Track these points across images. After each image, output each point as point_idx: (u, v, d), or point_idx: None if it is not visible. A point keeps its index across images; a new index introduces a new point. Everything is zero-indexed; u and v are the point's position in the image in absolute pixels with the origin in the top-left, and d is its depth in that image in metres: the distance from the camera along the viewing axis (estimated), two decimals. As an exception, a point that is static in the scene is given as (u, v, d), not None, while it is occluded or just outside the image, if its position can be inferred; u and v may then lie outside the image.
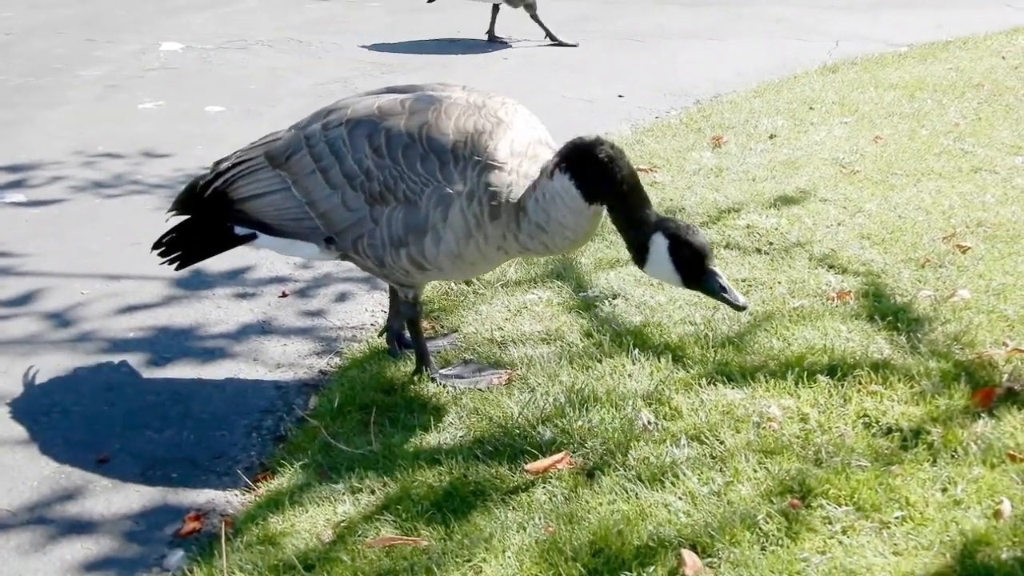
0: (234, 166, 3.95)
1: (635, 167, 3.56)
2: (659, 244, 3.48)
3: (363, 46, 10.34)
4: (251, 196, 3.90)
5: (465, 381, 4.01)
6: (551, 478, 3.36)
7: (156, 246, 4.21)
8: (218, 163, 4.03)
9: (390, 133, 3.63)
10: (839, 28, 10.77)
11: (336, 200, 3.74)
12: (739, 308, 3.57)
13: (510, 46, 10.37)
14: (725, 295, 3.51)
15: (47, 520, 3.47)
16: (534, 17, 10.27)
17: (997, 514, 3.04)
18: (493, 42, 10.47)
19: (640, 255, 3.55)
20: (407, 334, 4.24)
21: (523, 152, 3.61)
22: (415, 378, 4.05)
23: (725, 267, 4.86)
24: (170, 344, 4.59)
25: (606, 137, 3.57)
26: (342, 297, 5.06)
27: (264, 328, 4.75)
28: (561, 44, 10.31)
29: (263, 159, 3.89)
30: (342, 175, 3.71)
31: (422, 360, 4.07)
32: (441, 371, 4.07)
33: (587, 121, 7.65)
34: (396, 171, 3.63)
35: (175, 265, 4.20)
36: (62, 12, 12.06)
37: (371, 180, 3.66)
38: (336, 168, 3.72)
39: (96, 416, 4.05)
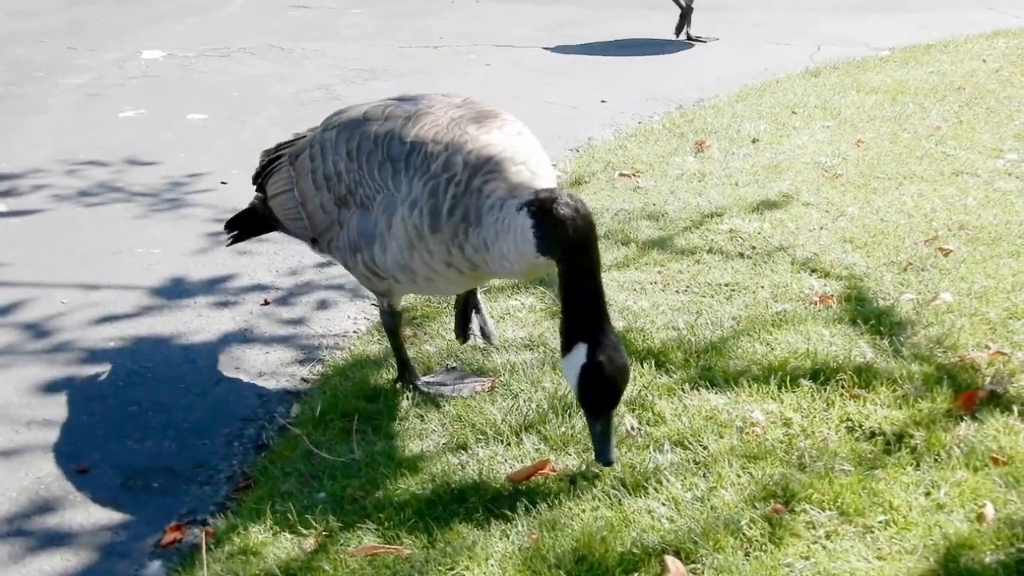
0: (270, 162, 4.16)
1: (597, 246, 3.26)
2: (578, 356, 3.21)
3: (345, 53, 10.33)
4: (274, 194, 4.09)
5: (448, 388, 3.99)
6: (534, 485, 3.34)
7: (227, 224, 4.49)
8: (266, 152, 4.25)
9: (361, 138, 3.63)
10: (821, 32, 10.81)
11: (317, 201, 3.80)
12: (604, 462, 3.28)
13: (698, 43, 10.36)
14: (600, 443, 3.26)
15: (26, 532, 3.43)
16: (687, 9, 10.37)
17: (980, 517, 3.03)
18: (688, 40, 10.47)
19: (564, 346, 3.28)
20: (475, 322, 4.22)
21: (485, 167, 3.38)
22: (398, 387, 4.04)
23: (708, 271, 4.87)
24: (151, 353, 4.56)
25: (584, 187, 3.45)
26: (324, 305, 5.04)
27: (246, 336, 4.72)
28: (698, 40, 10.45)
29: (287, 158, 4.05)
30: (323, 177, 3.75)
31: (403, 369, 4.05)
32: (424, 378, 4.06)
33: (570, 127, 7.66)
34: (359, 176, 3.61)
35: (229, 241, 4.54)
36: (44, 20, 12.01)
37: (340, 183, 3.68)
38: (320, 170, 3.77)
39: (76, 426, 4.02)
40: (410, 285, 3.70)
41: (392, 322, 3.99)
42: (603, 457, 3.27)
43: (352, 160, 3.63)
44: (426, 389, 3.99)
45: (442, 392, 3.97)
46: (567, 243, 3.20)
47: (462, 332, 4.23)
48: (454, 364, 4.22)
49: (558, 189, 3.31)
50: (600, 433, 3.27)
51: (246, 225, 4.43)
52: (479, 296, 4.26)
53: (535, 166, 3.46)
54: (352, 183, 3.63)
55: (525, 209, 3.25)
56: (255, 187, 4.31)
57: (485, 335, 4.24)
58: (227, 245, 4.73)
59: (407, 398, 3.95)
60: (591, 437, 3.33)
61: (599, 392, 3.23)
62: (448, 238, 3.42)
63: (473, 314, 4.24)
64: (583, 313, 3.22)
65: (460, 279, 3.62)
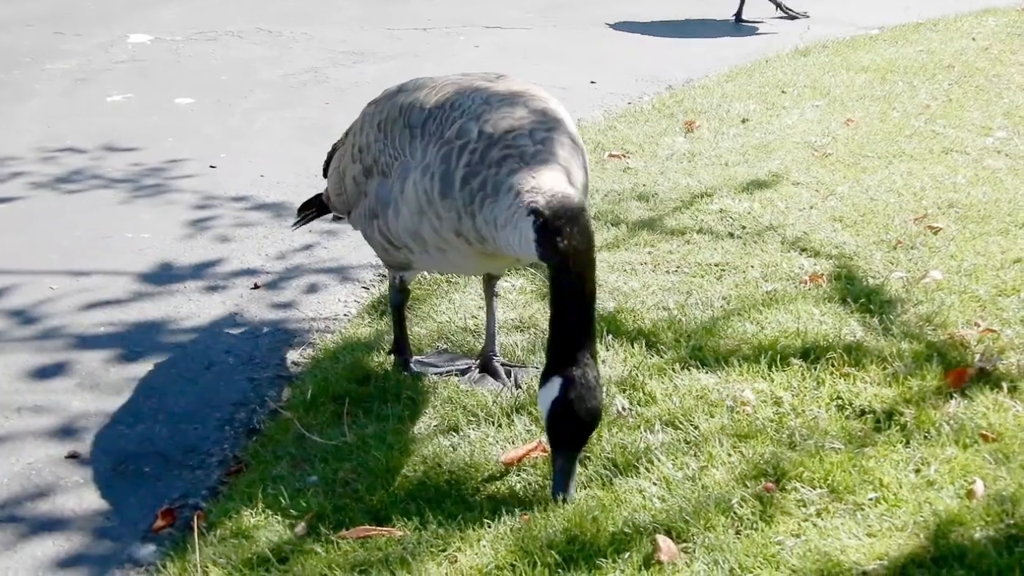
0: (333, 147, 4.21)
1: (593, 277, 3.13)
2: (552, 388, 3.09)
3: (334, 36, 10.28)
4: (329, 175, 4.16)
5: (440, 370, 3.99)
6: (526, 466, 3.35)
7: (300, 208, 4.57)
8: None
9: (390, 109, 3.61)
10: (811, 11, 10.78)
11: (351, 174, 3.81)
12: (560, 497, 3.12)
13: (757, 28, 10.35)
14: (558, 478, 3.13)
15: (17, 518, 3.43)
16: None
17: (970, 494, 3.04)
18: (739, 23, 10.46)
19: (543, 377, 3.14)
20: (499, 360, 4.01)
21: (502, 141, 3.25)
22: (390, 359, 4.03)
23: (698, 252, 4.87)
24: (141, 339, 4.55)
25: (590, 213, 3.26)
26: (314, 288, 5.03)
27: (236, 321, 4.72)
28: (793, 16, 10.51)
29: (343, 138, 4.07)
30: (357, 149, 3.76)
31: (399, 346, 4.04)
32: (416, 358, 4.05)
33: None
34: (383, 145, 3.59)
35: (295, 223, 4.65)
36: (29, 5, 11.93)
37: (368, 154, 3.67)
38: (356, 143, 3.77)
39: (67, 412, 4.00)
40: (423, 256, 3.60)
41: (399, 299, 3.98)
42: (559, 491, 3.13)
43: (380, 131, 3.62)
44: (417, 369, 3.98)
45: (432, 373, 3.96)
46: (561, 266, 3.08)
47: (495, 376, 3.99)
48: (445, 346, 4.21)
49: (569, 201, 3.12)
50: (561, 469, 3.14)
51: (315, 209, 4.48)
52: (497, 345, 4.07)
53: (554, 148, 3.31)
54: (377, 152, 3.62)
55: (532, 216, 3.11)
56: (324, 176, 4.31)
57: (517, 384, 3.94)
58: (293, 228, 4.83)
59: (399, 377, 3.95)
60: (552, 467, 3.20)
61: (566, 431, 3.10)
62: (461, 205, 3.29)
63: (498, 365, 3.99)
64: (566, 343, 3.09)
65: (472, 253, 3.48)
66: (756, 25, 10.41)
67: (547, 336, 3.18)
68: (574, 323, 3.09)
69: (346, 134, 4.04)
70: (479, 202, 3.25)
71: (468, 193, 3.27)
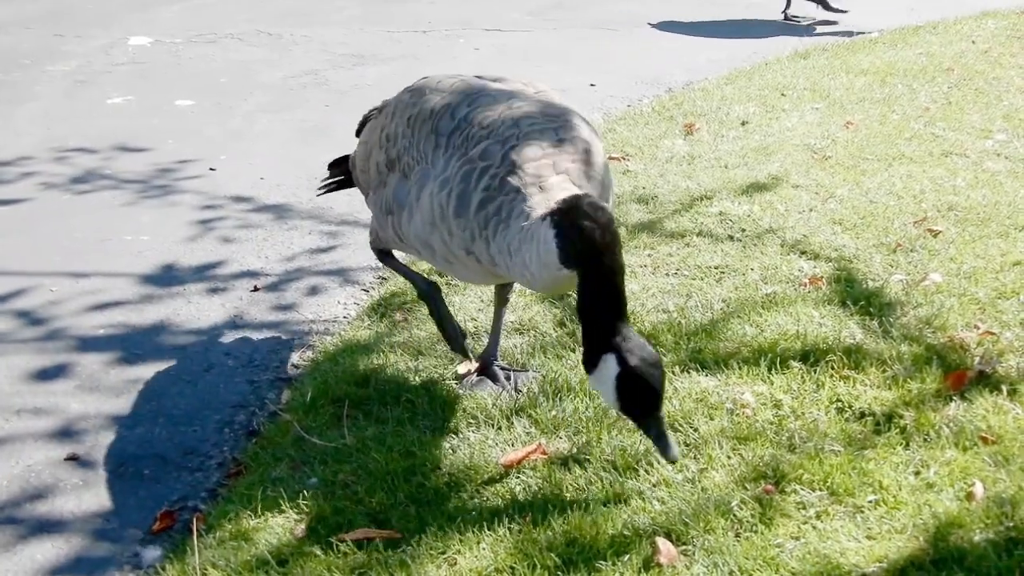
0: (371, 113, 4.12)
1: (620, 255, 3.06)
2: (609, 367, 3.03)
3: (334, 38, 10.29)
4: (360, 143, 4.05)
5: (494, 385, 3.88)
6: (525, 468, 3.35)
7: (330, 165, 4.43)
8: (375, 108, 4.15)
9: (422, 107, 3.55)
10: (810, 14, 10.77)
11: (376, 159, 3.76)
12: (669, 460, 3.11)
13: (802, 24, 10.34)
14: (660, 443, 3.07)
15: (16, 520, 3.43)
16: None
17: (970, 496, 3.05)
18: (788, 21, 10.45)
19: (589, 363, 3.10)
20: (498, 364, 3.99)
21: (525, 168, 3.20)
22: (390, 363, 4.05)
23: (697, 254, 4.87)
24: (141, 341, 4.55)
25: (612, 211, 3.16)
26: (314, 291, 5.03)
27: (236, 323, 4.72)
28: (836, 11, 10.47)
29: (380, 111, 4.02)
30: (385, 137, 3.70)
31: (447, 336, 3.93)
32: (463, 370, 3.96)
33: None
34: (409, 143, 3.55)
35: (321, 187, 4.50)
36: (30, 7, 11.93)
37: (394, 147, 3.62)
38: (386, 129, 3.71)
39: (66, 414, 4.00)
40: (432, 260, 3.60)
41: (372, 246, 3.98)
42: (668, 455, 3.07)
43: (409, 127, 3.56)
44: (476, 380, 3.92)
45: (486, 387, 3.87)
46: (588, 252, 3.01)
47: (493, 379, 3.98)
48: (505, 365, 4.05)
49: (583, 196, 3.09)
50: (657, 435, 3.07)
51: (342, 175, 4.34)
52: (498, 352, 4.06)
53: (579, 177, 3.25)
54: (402, 149, 3.57)
55: (548, 218, 3.07)
56: (357, 136, 4.20)
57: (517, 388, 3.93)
58: (319, 193, 4.64)
59: (398, 382, 3.94)
60: (649, 439, 3.13)
61: (641, 395, 3.02)
62: (476, 228, 3.25)
63: (498, 369, 3.98)
64: (606, 324, 3.02)
65: (480, 270, 3.45)
66: (800, 21, 10.40)
67: (581, 328, 3.11)
68: (607, 304, 3.03)
69: (380, 109, 3.97)
70: (493, 227, 3.21)
71: (483, 217, 3.23)
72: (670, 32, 10.28)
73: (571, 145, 3.30)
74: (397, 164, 3.61)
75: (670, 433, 3.13)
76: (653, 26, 10.49)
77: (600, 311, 3.04)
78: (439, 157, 3.40)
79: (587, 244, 3.00)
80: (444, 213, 3.33)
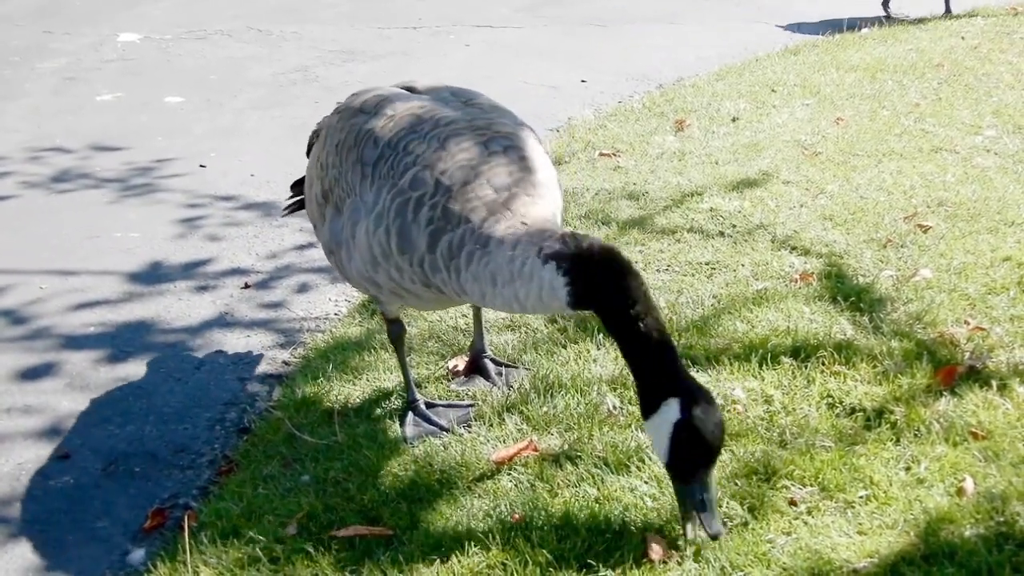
0: (314, 132, 3.92)
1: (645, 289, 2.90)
2: (670, 414, 2.81)
3: (324, 34, 10.27)
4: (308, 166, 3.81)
5: (443, 422, 3.66)
6: (517, 465, 3.35)
7: (293, 185, 4.21)
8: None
9: (348, 132, 3.38)
10: (801, 10, 10.78)
11: (314, 190, 3.58)
12: (712, 535, 2.84)
13: (904, 20, 10.23)
14: (704, 510, 2.83)
15: (6, 519, 3.42)
16: None
17: (960, 491, 3.05)
18: (890, 18, 10.32)
19: (647, 407, 2.87)
20: (489, 357, 3.95)
21: (461, 192, 3.04)
22: (380, 360, 4.03)
23: (688, 250, 4.87)
24: (131, 338, 4.54)
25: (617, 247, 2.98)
26: (304, 288, 5.03)
27: (226, 320, 4.71)
28: (895, 18, 10.32)
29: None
30: (320, 166, 3.52)
31: (407, 384, 3.78)
32: (422, 401, 3.75)
33: (550, 107, 7.64)
34: (338, 173, 3.35)
35: (285, 207, 4.26)
36: (18, 3, 11.89)
37: (327, 177, 3.44)
38: (320, 157, 3.53)
39: (56, 412, 4.00)
40: (378, 294, 3.40)
41: (393, 331, 3.70)
42: (711, 526, 2.83)
43: (337, 155, 3.38)
44: (424, 413, 3.70)
45: (433, 428, 3.64)
46: (617, 300, 2.84)
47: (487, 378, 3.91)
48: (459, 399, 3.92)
49: (581, 239, 2.90)
50: (702, 500, 2.83)
51: (302, 193, 4.05)
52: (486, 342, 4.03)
53: (522, 187, 3.08)
54: (332, 180, 3.38)
55: (553, 264, 2.86)
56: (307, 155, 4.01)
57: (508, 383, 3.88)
58: (283, 214, 4.40)
59: (388, 380, 3.94)
60: (691, 507, 2.86)
61: (697, 451, 2.80)
62: (439, 261, 3.05)
63: (489, 364, 3.94)
64: (663, 365, 2.84)
65: (437, 299, 3.29)
66: (899, 19, 10.36)
67: (632, 370, 2.93)
68: (656, 344, 2.84)
69: (317, 132, 3.81)
70: (466, 258, 3.01)
71: (446, 250, 3.03)
72: (661, 28, 10.28)
73: (503, 157, 3.15)
74: (331, 196, 3.40)
75: (716, 501, 2.92)
76: (644, 22, 10.49)
77: (656, 353, 2.85)
78: (367, 189, 3.21)
79: (613, 292, 2.85)
80: (386, 251, 3.15)
